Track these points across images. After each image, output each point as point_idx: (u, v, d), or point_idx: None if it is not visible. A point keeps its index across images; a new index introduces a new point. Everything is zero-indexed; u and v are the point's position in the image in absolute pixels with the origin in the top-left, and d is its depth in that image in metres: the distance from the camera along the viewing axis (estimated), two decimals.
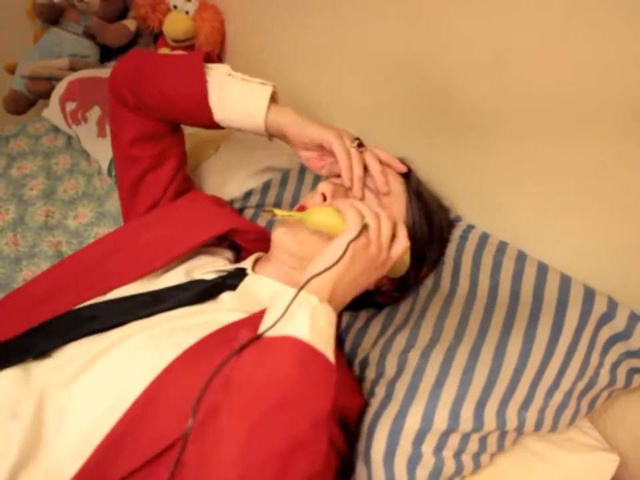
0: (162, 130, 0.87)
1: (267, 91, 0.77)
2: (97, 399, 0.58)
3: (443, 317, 0.74)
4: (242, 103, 0.77)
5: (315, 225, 0.66)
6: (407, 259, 0.71)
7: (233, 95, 0.78)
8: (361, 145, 0.75)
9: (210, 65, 0.80)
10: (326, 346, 0.53)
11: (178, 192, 0.90)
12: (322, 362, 0.52)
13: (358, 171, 0.73)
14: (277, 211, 0.67)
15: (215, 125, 0.80)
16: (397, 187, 0.76)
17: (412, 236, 0.73)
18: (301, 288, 0.55)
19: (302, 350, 0.51)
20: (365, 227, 0.61)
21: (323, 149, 0.76)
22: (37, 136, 1.41)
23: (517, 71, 0.71)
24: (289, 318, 0.53)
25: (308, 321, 0.53)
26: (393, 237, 0.65)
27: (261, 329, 0.54)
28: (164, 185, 0.88)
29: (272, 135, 0.79)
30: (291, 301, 0.54)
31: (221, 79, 0.79)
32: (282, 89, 0.77)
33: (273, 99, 0.78)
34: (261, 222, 1.00)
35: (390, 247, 0.65)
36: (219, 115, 0.78)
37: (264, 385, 0.50)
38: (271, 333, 0.53)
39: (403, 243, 0.65)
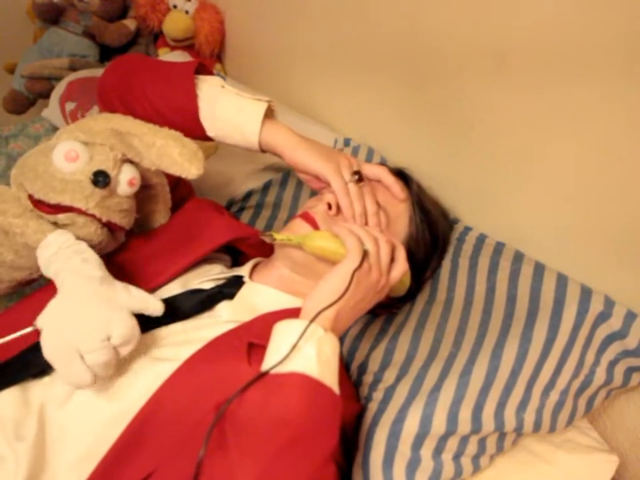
0: None
1: (260, 108, 0.75)
2: (95, 415, 0.58)
3: (442, 325, 0.74)
4: (234, 121, 0.75)
5: (313, 250, 0.67)
6: (407, 281, 0.72)
7: (225, 112, 0.75)
8: (360, 178, 0.73)
9: (202, 77, 0.77)
10: (332, 378, 0.53)
11: (178, 199, 0.83)
12: (329, 397, 0.52)
13: (358, 207, 0.71)
14: (276, 235, 0.68)
15: (210, 139, 0.78)
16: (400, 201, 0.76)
17: (414, 249, 0.74)
18: (311, 321, 0.54)
19: (310, 386, 0.51)
20: (365, 253, 0.61)
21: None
22: (37, 136, 1.40)
23: (517, 70, 0.71)
24: (296, 351, 0.52)
25: (315, 355, 0.52)
26: (392, 260, 0.65)
27: (267, 365, 0.53)
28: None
29: (267, 152, 0.78)
30: (300, 337, 0.53)
31: (213, 92, 0.75)
32: (281, 88, 0.76)
33: (268, 114, 0.76)
34: (260, 223, 1.00)
35: (389, 270, 0.64)
36: (211, 131, 0.76)
37: (273, 424, 0.49)
38: (277, 369, 0.52)
39: (401, 267, 0.65)
